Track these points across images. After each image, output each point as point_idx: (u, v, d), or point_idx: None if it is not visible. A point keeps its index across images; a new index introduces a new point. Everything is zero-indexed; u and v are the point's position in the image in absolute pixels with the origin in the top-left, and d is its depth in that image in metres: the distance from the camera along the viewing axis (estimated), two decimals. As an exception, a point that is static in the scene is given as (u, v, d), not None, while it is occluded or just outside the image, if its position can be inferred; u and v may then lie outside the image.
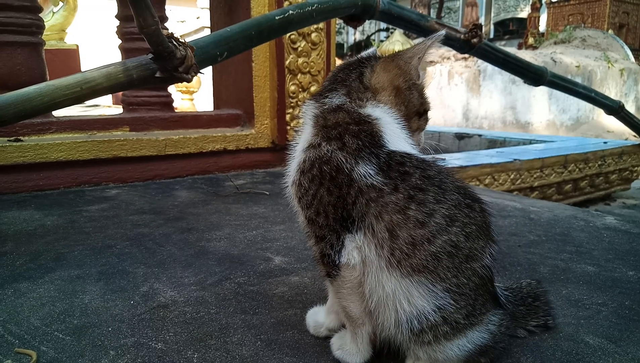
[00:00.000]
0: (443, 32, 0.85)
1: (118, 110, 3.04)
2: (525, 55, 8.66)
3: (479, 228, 0.77)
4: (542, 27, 15.19)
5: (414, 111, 0.87)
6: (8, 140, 2.13)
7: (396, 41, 4.79)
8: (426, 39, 0.85)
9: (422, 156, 0.79)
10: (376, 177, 0.74)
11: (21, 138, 2.18)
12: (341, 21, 2.16)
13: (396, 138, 0.79)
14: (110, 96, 6.58)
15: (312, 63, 2.82)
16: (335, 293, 0.84)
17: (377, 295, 0.76)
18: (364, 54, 0.94)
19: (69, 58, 6.18)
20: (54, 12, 6.59)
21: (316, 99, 0.86)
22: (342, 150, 0.76)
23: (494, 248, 0.80)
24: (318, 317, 0.98)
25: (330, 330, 0.94)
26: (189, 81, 1.47)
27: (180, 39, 1.41)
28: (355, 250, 0.76)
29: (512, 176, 3.60)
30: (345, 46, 23.71)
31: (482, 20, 20.86)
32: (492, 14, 23.04)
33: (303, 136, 0.83)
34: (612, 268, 1.36)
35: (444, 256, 0.73)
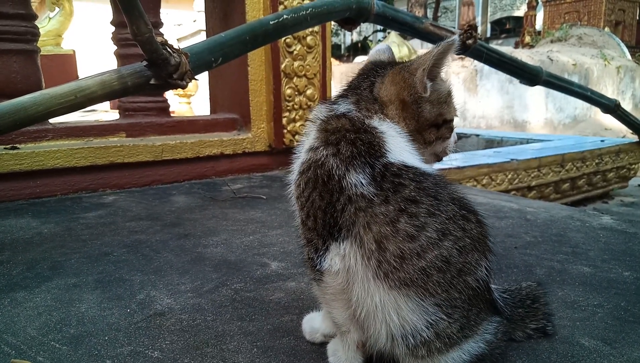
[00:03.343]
0: (451, 39, 0.77)
1: (115, 115, 3.04)
2: (522, 54, 8.67)
3: (473, 241, 0.75)
4: (539, 25, 15.21)
5: (428, 124, 0.84)
6: (4, 148, 2.13)
7: (392, 42, 4.79)
8: (434, 47, 0.79)
9: (424, 168, 0.77)
10: (367, 187, 0.72)
11: (17, 145, 2.18)
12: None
13: (400, 149, 0.77)
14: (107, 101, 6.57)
15: (307, 66, 2.82)
16: (320, 297, 0.85)
17: (366, 305, 0.75)
18: (379, 54, 0.92)
19: (66, 63, 6.18)
20: (50, 18, 6.59)
21: (328, 103, 0.86)
22: (335, 156, 0.75)
23: (491, 260, 0.78)
24: (314, 323, 0.98)
25: (325, 336, 0.94)
26: (183, 87, 1.47)
27: (174, 46, 1.41)
28: (337, 257, 0.75)
29: (509, 176, 3.61)
30: (342, 47, 23.73)
31: (478, 20, 20.88)
32: (489, 13, 23.07)
33: (309, 138, 0.83)
34: (608, 268, 1.36)
35: (434, 271, 0.71)
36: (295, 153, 0.85)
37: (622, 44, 11.24)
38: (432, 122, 0.84)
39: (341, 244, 0.74)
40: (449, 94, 0.86)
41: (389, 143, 0.77)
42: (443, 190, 0.76)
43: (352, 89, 0.86)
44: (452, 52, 0.79)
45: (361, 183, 0.72)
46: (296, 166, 0.83)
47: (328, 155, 0.76)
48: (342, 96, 0.86)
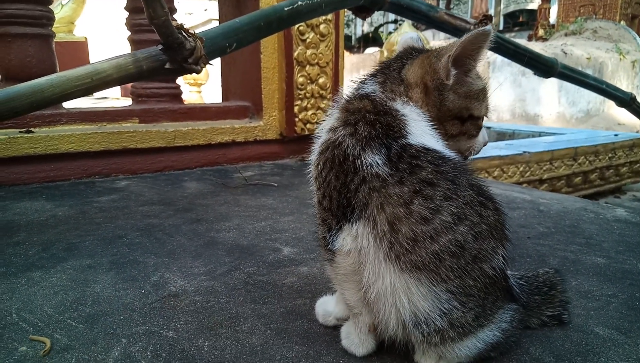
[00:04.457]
0: (483, 29, 0.74)
1: (127, 102, 3.06)
2: (535, 47, 8.57)
3: (490, 228, 0.74)
4: (553, 18, 15.01)
5: (451, 115, 0.81)
6: (19, 131, 2.15)
7: (405, 32, 4.75)
8: (464, 35, 0.75)
9: (445, 152, 0.75)
10: (383, 167, 0.71)
11: (32, 129, 2.20)
12: (349, 13, 2.15)
13: (421, 132, 0.76)
14: (119, 88, 6.62)
15: (320, 55, 2.81)
16: (333, 278, 0.85)
17: (377, 287, 0.75)
18: (412, 41, 0.90)
19: (78, 50, 6.21)
20: (62, 5, 6.61)
21: (357, 82, 0.86)
22: (352, 136, 0.75)
23: (508, 248, 0.77)
24: (327, 306, 0.98)
25: (338, 320, 0.95)
26: (198, 72, 1.47)
27: (189, 30, 1.42)
28: (349, 237, 0.75)
29: (521, 169, 3.58)
30: (353, 38, 23.61)
31: (491, 12, 20.65)
32: (502, 5, 22.80)
33: (331, 117, 0.82)
34: (622, 259, 1.35)
35: (447, 256, 0.70)
36: (315, 135, 0.85)
37: (638, 38, 11.06)
38: (455, 114, 0.82)
39: (354, 224, 0.74)
40: (482, 91, 0.84)
41: (410, 126, 0.76)
42: (462, 175, 0.74)
43: (383, 69, 0.86)
44: (486, 43, 0.76)
45: (377, 163, 0.72)
46: (316, 145, 0.83)
47: (345, 135, 0.75)
48: (372, 75, 0.86)
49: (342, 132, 0.76)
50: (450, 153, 0.77)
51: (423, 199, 0.70)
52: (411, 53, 0.86)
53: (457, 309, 0.72)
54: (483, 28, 0.75)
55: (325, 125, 0.82)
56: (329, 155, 0.77)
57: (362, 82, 0.85)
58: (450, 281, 0.71)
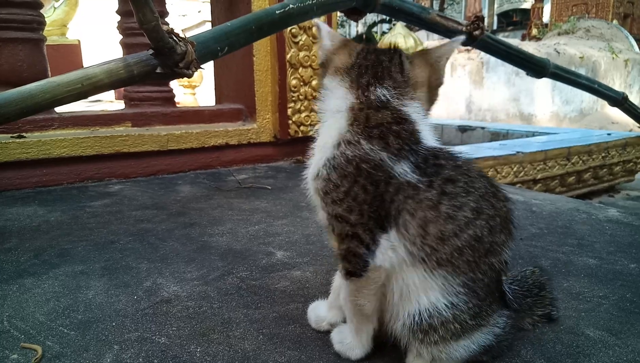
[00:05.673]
0: (462, 37, 0.86)
1: (121, 105, 3.05)
2: (529, 46, 8.61)
3: (502, 221, 0.77)
4: (546, 18, 15.07)
5: (429, 108, 0.88)
6: (11, 136, 2.14)
7: (398, 34, 4.76)
8: (451, 40, 0.85)
9: (446, 148, 0.80)
10: (412, 174, 0.74)
11: (24, 134, 2.19)
12: (342, 14, 2.16)
13: (428, 133, 0.79)
14: (112, 91, 6.59)
15: (313, 57, 2.81)
16: (353, 291, 0.80)
17: (399, 289, 0.76)
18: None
19: (71, 53, 6.19)
20: (55, 8, 6.59)
21: (353, 86, 0.81)
22: (385, 150, 0.74)
23: (513, 242, 0.80)
24: (319, 311, 0.98)
25: (331, 325, 0.95)
26: (189, 76, 1.47)
27: (180, 35, 1.41)
28: (390, 250, 0.75)
29: (515, 169, 3.60)
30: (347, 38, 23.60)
31: (485, 11, 20.70)
32: (496, 5, 22.87)
33: (331, 128, 0.79)
34: (613, 260, 1.36)
35: (467, 249, 0.73)
36: (314, 142, 0.84)
37: (630, 37, 11.12)
38: (431, 106, 0.89)
39: (390, 235, 0.75)
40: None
41: (421, 129, 0.79)
42: (472, 167, 0.78)
43: (384, 71, 0.82)
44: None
45: (407, 171, 0.74)
46: (317, 160, 0.80)
47: (376, 150, 0.74)
48: (377, 77, 0.81)
49: (370, 146, 0.75)
50: (448, 148, 0.80)
51: (449, 198, 0.73)
52: (394, 53, 0.85)
53: (463, 302, 0.74)
54: (461, 37, 0.88)
55: (328, 138, 0.79)
56: (353, 170, 0.75)
57: (367, 87, 0.80)
58: (465, 274, 0.73)
